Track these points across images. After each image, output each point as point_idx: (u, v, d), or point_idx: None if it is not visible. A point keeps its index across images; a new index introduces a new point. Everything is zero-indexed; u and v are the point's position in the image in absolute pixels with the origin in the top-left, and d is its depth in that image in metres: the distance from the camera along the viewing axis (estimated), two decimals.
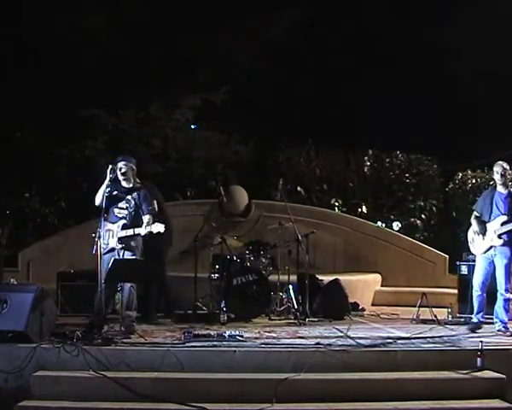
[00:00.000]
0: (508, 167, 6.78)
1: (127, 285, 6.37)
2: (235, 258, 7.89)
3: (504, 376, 5.32)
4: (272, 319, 7.56)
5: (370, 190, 13.06)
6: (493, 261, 6.73)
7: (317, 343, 5.71)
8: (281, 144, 13.64)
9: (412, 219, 12.76)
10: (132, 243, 6.43)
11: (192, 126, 14.80)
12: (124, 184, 6.54)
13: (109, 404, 4.96)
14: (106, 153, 12.33)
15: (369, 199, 13.03)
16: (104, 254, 6.30)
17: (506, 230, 6.59)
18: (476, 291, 6.86)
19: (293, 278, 7.82)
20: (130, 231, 6.36)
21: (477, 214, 6.95)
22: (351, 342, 5.85)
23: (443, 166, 13.18)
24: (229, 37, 15.17)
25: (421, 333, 6.44)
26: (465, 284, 7.57)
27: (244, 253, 7.97)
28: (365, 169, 13.11)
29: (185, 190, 13.17)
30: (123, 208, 6.48)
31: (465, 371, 5.36)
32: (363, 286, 9.50)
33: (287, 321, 7.42)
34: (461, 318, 7.44)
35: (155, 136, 13.90)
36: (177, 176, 13.49)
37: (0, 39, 12.54)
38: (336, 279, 8.11)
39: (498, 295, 6.69)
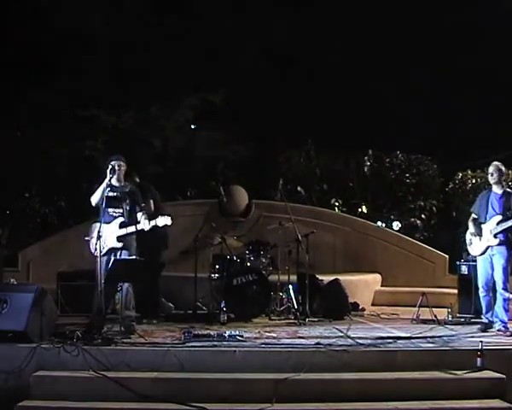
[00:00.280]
0: (502, 168, 6.78)
1: (125, 285, 6.38)
2: (235, 258, 7.89)
3: (504, 376, 5.31)
4: (272, 319, 7.54)
5: (370, 190, 13.06)
6: (492, 261, 6.74)
7: (317, 343, 5.71)
8: (281, 144, 13.64)
9: (412, 219, 12.76)
10: (132, 242, 6.45)
11: (192, 126, 14.80)
12: (115, 183, 6.55)
13: (109, 404, 4.96)
14: (106, 153, 12.31)
15: (369, 199, 13.03)
16: (103, 255, 6.28)
17: (501, 229, 6.59)
18: (481, 292, 6.86)
19: (293, 278, 7.80)
20: (131, 228, 6.37)
21: (474, 216, 6.95)
22: (351, 342, 5.84)
23: (443, 167, 13.19)
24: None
25: (421, 333, 6.43)
26: (465, 284, 7.58)
27: (244, 253, 7.95)
28: (365, 169, 13.11)
29: (185, 190, 13.17)
30: (117, 207, 6.49)
31: (465, 371, 5.35)
32: (363, 286, 9.49)
33: (287, 321, 7.41)
34: (461, 318, 7.43)
35: (155, 136, 13.90)
36: (177, 176, 13.49)
37: (0, 39, 12.54)
38: (336, 279, 8.11)
39: (498, 294, 6.68)
